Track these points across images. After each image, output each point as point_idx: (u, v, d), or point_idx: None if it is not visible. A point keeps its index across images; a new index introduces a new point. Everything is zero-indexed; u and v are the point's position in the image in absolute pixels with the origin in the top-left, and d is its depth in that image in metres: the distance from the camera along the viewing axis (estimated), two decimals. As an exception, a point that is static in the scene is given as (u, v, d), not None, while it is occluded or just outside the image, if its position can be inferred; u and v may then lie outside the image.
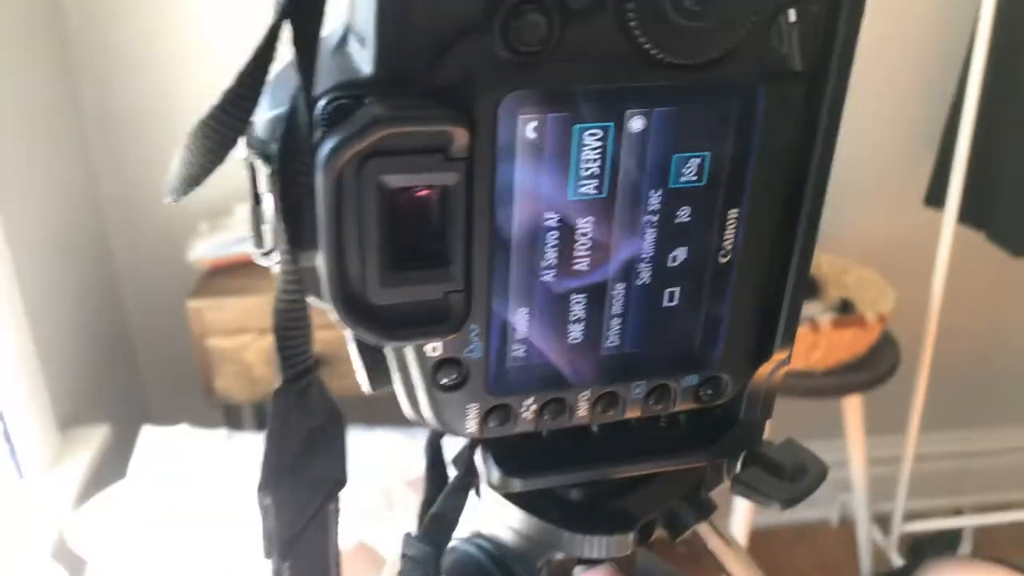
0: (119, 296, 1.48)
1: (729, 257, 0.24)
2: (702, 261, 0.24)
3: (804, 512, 1.76)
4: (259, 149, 0.20)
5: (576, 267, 0.23)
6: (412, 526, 0.29)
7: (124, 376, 1.49)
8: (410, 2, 0.19)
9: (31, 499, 1.13)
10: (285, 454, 0.22)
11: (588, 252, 0.23)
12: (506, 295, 0.22)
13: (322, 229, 0.20)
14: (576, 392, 0.25)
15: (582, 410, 0.25)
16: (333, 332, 0.26)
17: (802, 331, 1.28)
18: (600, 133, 0.21)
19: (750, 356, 0.26)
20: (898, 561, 1.62)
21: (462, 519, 0.29)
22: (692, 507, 0.30)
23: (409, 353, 0.23)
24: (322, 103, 0.20)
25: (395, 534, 0.29)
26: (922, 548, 1.71)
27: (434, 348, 0.23)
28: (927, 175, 1.49)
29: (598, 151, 0.21)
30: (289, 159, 0.20)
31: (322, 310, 0.22)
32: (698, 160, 0.22)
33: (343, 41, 0.22)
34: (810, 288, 1.45)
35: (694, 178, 0.22)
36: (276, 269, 0.21)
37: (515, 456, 0.26)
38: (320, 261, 0.21)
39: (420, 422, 0.25)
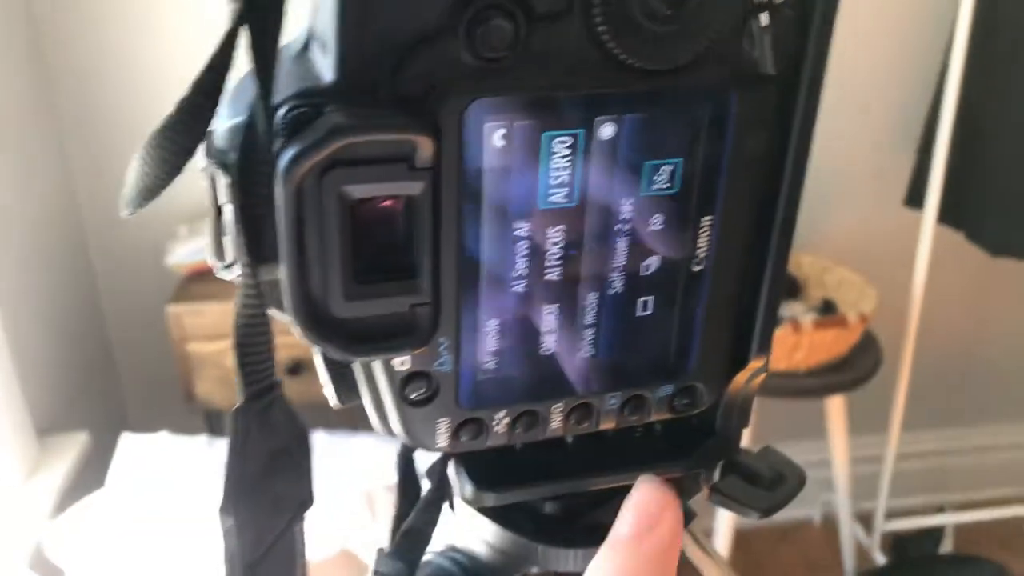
0: (97, 301, 1.46)
1: (703, 265, 0.23)
2: (675, 270, 0.23)
3: (788, 512, 1.76)
4: (218, 159, 0.20)
5: (547, 277, 0.22)
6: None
7: (103, 382, 1.47)
8: (372, 7, 0.18)
9: (8, 508, 1.11)
10: (247, 474, 0.21)
11: (559, 262, 0.22)
12: (476, 307, 0.22)
13: (283, 241, 0.19)
14: (549, 404, 0.24)
15: (555, 422, 0.24)
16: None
17: (784, 331, 1.29)
18: (569, 140, 0.20)
19: (725, 365, 0.25)
20: (881, 559, 1.62)
21: (436, 532, 0.28)
22: (670, 517, 0.29)
23: (377, 367, 0.22)
24: (282, 111, 0.19)
25: (377, 541, 0.28)
26: (904, 546, 1.72)
27: (402, 362, 0.22)
28: (907, 176, 1.50)
29: (568, 159, 0.21)
30: (248, 169, 0.19)
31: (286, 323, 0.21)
32: (670, 167, 0.21)
33: (306, 47, 0.21)
34: (792, 289, 1.46)
35: (666, 185, 0.22)
36: (238, 282, 0.21)
37: (488, 470, 0.26)
38: (282, 274, 0.20)
39: (390, 437, 0.24)
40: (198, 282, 1.31)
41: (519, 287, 0.22)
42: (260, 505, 0.22)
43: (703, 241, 0.23)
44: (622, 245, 0.22)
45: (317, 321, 0.20)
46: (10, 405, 1.14)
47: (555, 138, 0.20)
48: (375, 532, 1.05)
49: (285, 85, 0.19)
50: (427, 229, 0.20)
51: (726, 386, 0.26)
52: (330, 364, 0.23)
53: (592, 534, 0.27)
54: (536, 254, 0.22)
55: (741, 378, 0.26)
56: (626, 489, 0.28)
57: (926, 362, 1.62)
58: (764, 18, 0.20)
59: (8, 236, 1.17)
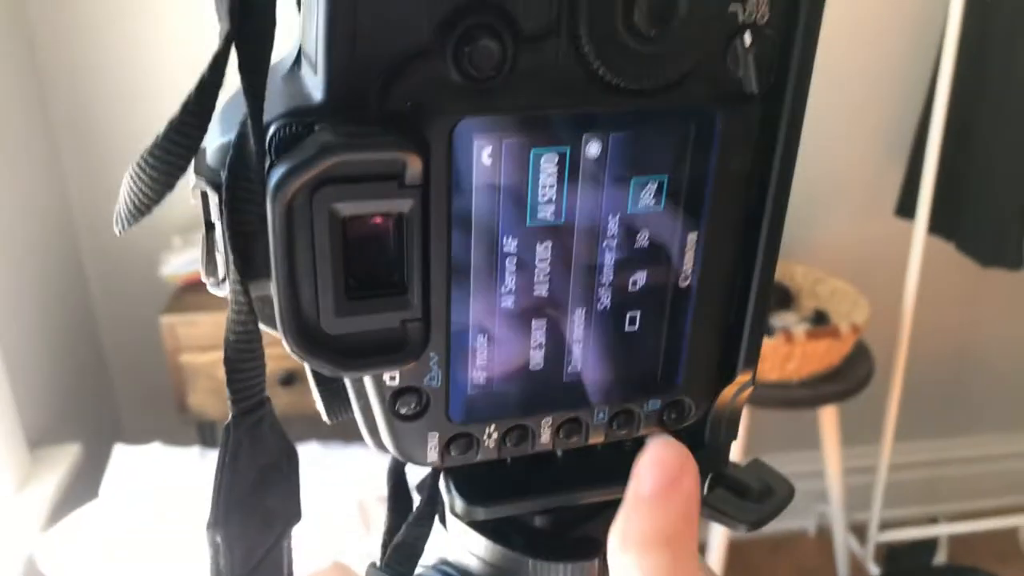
0: (91, 312, 1.46)
1: (690, 281, 0.23)
2: (662, 285, 0.23)
3: (782, 523, 1.77)
4: (209, 177, 0.20)
5: (536, 293, 0.22)
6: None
7: (96, 393, 1.47)
8: (360, 27, 0.19)
9: (0, 520, 1.11)
10: (236, 490, 0.21)
11: (548, 278, 0.22)
12: (465, 322, 0.22)
13: (274, 258, 0.19)
14: (538, 418, 0.24)
15: (545, 437, 0.25)
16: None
17: (777, 342, 1.29)
18: (557, 158, 0.21)
19: (713, 379, 0.26)
20: (875, 571, 1.62)
21: (427, 546, 0.28)
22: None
23: (367, 382, 0.22)
24: (272, 130, 0.19)
25: (371, 552, 0.28)
26: (898, 557, 1.72)
27: (392, 377, 0.22)
28: (897, 186, 1.51)
29: (555, 176, 0.21)
30: (238, 187, 0.19)
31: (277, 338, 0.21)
32: (656, 184, 0.22)
33: (296, 65, 0.21)
34: (784, 299, 1.46)
35: (652, 202, 0.22)
36: (229, 298, 0.21)
37: (479, 484, 0.26)
38: (273, 291, 0.20)
39: (381, 451, 0.24)
40: (192, 293, 1.31)
41: (508, 303, 0.22)
42: (250, 520, 0.22)
43: (689, 257, 0.23)
44: (610, 261, 0.22)
45: (308, 337, 0.20)
46: (2, 416, 1.13)
47: (543, 156, 0.21)
48: (368, 543, 1.04)
49: (275, 103, 0.20)
50: (417, 245, 0.20)
51: (714, 400, 0.26)
52: (321, 380, 0.24)
53: (583, 547, 0.27)
54: (525, 270, 0.22)
55: (729, 392, 0.26)
56: (615, 503, 0.28)
57: (919, 372, 1.63)
58: (747, 38, 0.20)
59: (2, 248, 1.17)
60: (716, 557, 1.50)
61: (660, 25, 0.20)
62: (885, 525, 1.63)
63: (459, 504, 0.26)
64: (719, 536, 1.49)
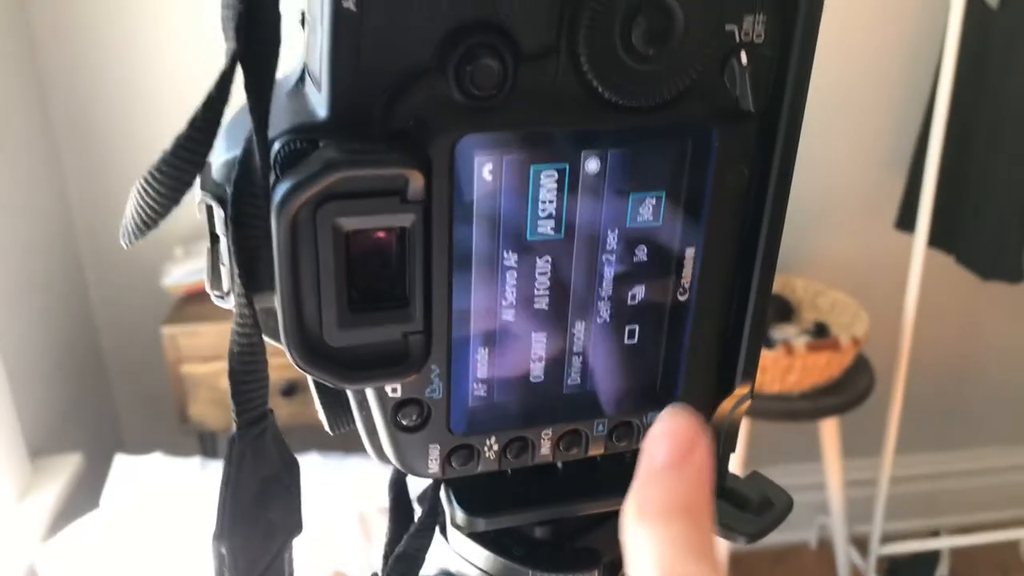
0: (92, 322, 1.46)
1: (688, 295, 0.24)
2: (661, 299, 0.24)
3: (783, 535, 1.77)
4: (214, 192, 0.20)
5: (536, 306, 0.23)
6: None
7: (97, 403, 1.47)
8: (363, 47, 0.19)
9: (0, 530, 1.11)
10: (240, 502, 0.22)
11: (548, 291, 0.23)
12: (466, 335, 0.22)
13: (278, 272, 0.20)
14: (539, 430, 0.25)
15: (545, 448, 0.25)
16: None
17: (777, 354, 1.29)
18: (556, 174, 0.21)
19: (711, 391, 0.26)
20: (876, 583, 1.62)
21: (428, 557, 0.28)
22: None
23: (370, 394, 0.23)
24: (277, 146, 0.20)
25: (371, 563, 0.29)
26: (900, 570, 1.71)
27: (394, 389, 0.22)
28: (897, 199, 1.52)
29: (554, 192, 0.21)
30: (243, 202, 0.20)
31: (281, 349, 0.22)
32: (654, 200, 0.22)
33: (301, 81, 0.22)
34: (785, 311, 1.46)
35: (650, 217, 0.22)
36: (234, 311, 0.21)
37: (479, 495, 0.26)
38: (277, 304, 0.20)
39: (383, 462, 0.24)
40: (193, 303, 1.32)
41: (509, 316, 0.23)
42: (253, 532, 0.22)
43: (687, 271, 0.23)
44: (609, 275, 0.23)
45: (311, 350, 0.21)
46: (3, 426, 1.13)
47: (542, 172, 0.21)
48: (369, 554, 1.04)
49: (280, 120, 0.20)
50: (419, 259, 0.21)
51: (712, 413, 0.26)
52: (324, 391, 0.24)
53: (583, 559, 0.28)
54: (525, 284, 0.22)
55: (727, 405, 0.26)
56: (615, 514, 0.28)
57: (919, 385, 1.63)
58: (744, 57, 0.21)
59: (3, 256, 1.18)
60: (717, 570, 1.49)
61: (658, 45, 0.20)
62: (887, 538, 1.63)
63: (460, 515, 0.26)
64: (720, 548, 1.49)
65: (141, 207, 0.20)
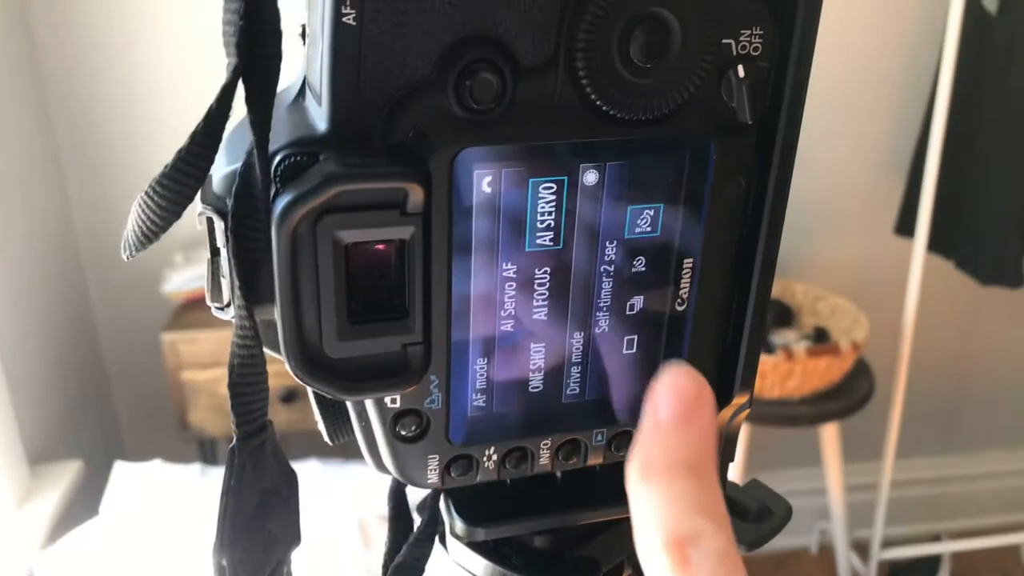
0: (92, 328, 1.46)
1: (686, 305, 0.24)
2: (659, 309, 0.24)
3: (784, 540, 1.76)
4: (215, 205, 0.21)
5: (535, 317, 0.23)
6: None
7: (97, 410, 1.47)
8: (363, 61, 0.19)
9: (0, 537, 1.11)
10: (241, 514, 0.22)
11: (546, 302, 0.23)
12: (465, 346, 0.23)
13: (278, 284, 0.20)
14: (538, 441, 0.25)
15: (544, 458, 0.25)
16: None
17: (777, 359, 1.29)
18: (554, 187, 0.21)
19: None
20: (877, 588, 1.62)
21: (428, 567, 0.29)
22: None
23: (369, 405, 0.23)
24: (277, 159, 0.20)
25: (371, 570, 0.29)
26: (901, 575, 1.71)
27: (393, 400, 0.23)
28: (897, 204, 1.52)
29: (553, 204, 0.21)
30: (243, 215, 0.20)
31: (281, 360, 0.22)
32: (652, 212, 0.22)
33: (301, 94, 0.22)
34: (785, 316, 1.46)
35: (648, 229, 0.22)
36: (234, 323, 0.21)
37: (478, 505, 0.26)
38: (277, 315, 0.21)
39: (382, 472, 0.24)
40: (193, 310, 1.32)
41: (507, 327, 0.23)
42: (253, 544, 0.22)
43: (685, 282, 0.24)
44: (607, 286, 0.23)
45: (311, 361, 0.21)
46: (2, 432, 1.13)
47: (541, 184, 0.21)
48: (368, 561, 1.04)
49: (280, 133, 0.20)
50: (418, 271, 0.21)
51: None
52: (323, 402, 0.24)
53: (583, 568, 0.28)
54: (524, 295, 0.22)
55: (725, 414, 0.26)
56: (614, 523, 0.28)
57: (919, 389, 1.63)
58: (741, 70, 0.21)
59: (2, 262, 1.18)
60: None
61: (656, 59, 0.20)
62: (887, 543, 1.62)
63: (459, 525, 0.26)
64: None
65: (143, 220, 0.20)
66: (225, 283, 0.21)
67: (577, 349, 0.24)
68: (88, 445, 1.37)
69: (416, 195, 0.20)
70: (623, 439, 0.26)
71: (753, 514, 0.29)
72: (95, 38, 1.31)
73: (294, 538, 0.24)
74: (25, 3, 1.27)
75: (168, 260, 1.33)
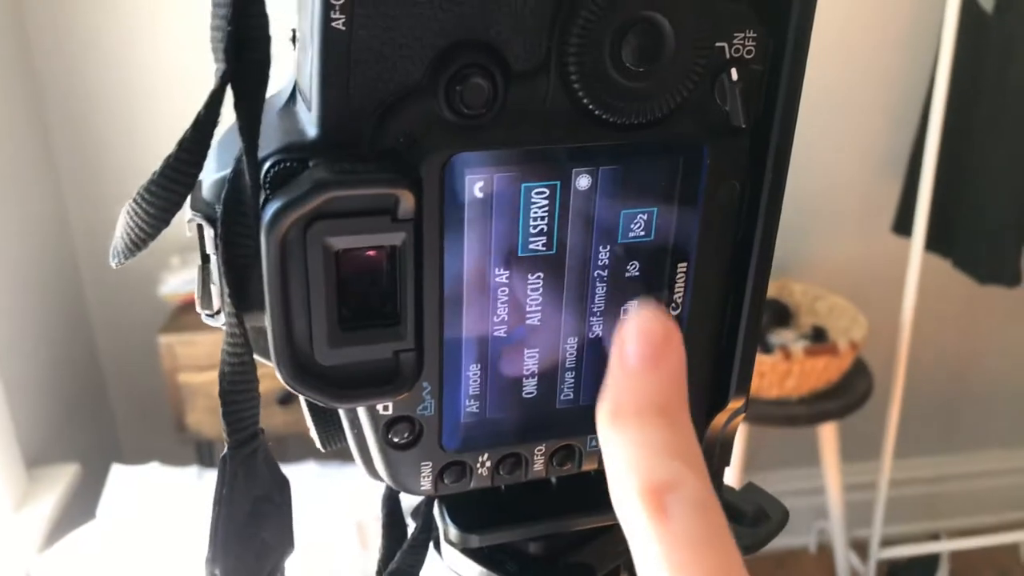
0: (89, 331, 1.46)
1: (680, 310, 0.24)
2: None
3: (783, 540, 1.76)
4: (204, 211, 0.20)
5: (528, 322, 0.23)
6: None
7: (94, 413, 1.47)
8: (353, 66, 0.19)
9: (-4, 542, 1.11)
10: (233, 523, 0.21)
11: (539, 307, 0.23)
12: (458, 352, 0.22)
13: (268, 291, 0.20)
14: (532, 446, 0.24)
15: (538, 464, 0.25)
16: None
17: (775, 359, 1.29)
18: (547, 192, 0.21)
19: (705, 406, 0.26)
20: (876, 588, 1.62)
21: (422, 573, 0.28)
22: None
23: (361, 412, 0.23)
24: (267, 165, 0.20)
25: (367, 572, 0.28)
26: (900, 573, 1.71)
27: (385, 407, 0.22)
28: (894, 203, 1.52)
29: (545, 209, 0.21)
30: (233, 222, 0.20)
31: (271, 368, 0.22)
32: (645, 216, 0.22)
33: (291, 99, 0.22)
34: (783, 316, 1.46)
35: (642, 233, 0.22)
36: (224, 330, 0.21)
37: (473, 511, 0.26)
38: (267, 323, 0.20)
39: (375, 479, 0.24)
40: (190, 312, 1.31)
41: (500, 332, 0.23)
42: (246, 553, 0.22)
43: (679, 287, 0.23)
44: (601, 291, 0.23)
45: (301, 369, 0.20)
46: None
47: (533, 189, 0.21)
48: (366, 563, 1.04)
49: (270, 138, 0.20)
50: (410, 277, 0.21)
51: (706, 427, 0.26)
52: (315, 409, 0.24)
53: (577, 573, 0.28)
54: (517, 300, 0.22)
55: (720, 419, 0.26)
56: (610, 528, 0.28)
57: (918, 388, 1.63)
58: (734, 73, 0.21)
59: None
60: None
61: (648, 62, 0.20)
62: (886, 542, 1.62)
63: (453, 531, 0.26)
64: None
65: (131, 228, 0.20)
66: (215, 290, 0.21)
67: (571, 354, 0.24)
68: (85, 448, 1.36)
69: (407, 201, 0.20)
70: None
71: (749, 518, 0.29)
72: (91, 38, 1.31)
73: (288, 545, 0.24)
74: (20, 3, 1.27)
75: (164, 262, 1.33)
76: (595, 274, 0.23)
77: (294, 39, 0.21)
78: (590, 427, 0.25)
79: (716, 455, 0.27)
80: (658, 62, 0.20)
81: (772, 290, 1.41)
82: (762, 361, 1.28)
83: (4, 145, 1.22)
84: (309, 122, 0.20)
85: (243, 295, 0.20)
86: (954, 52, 1.26)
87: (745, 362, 0.25)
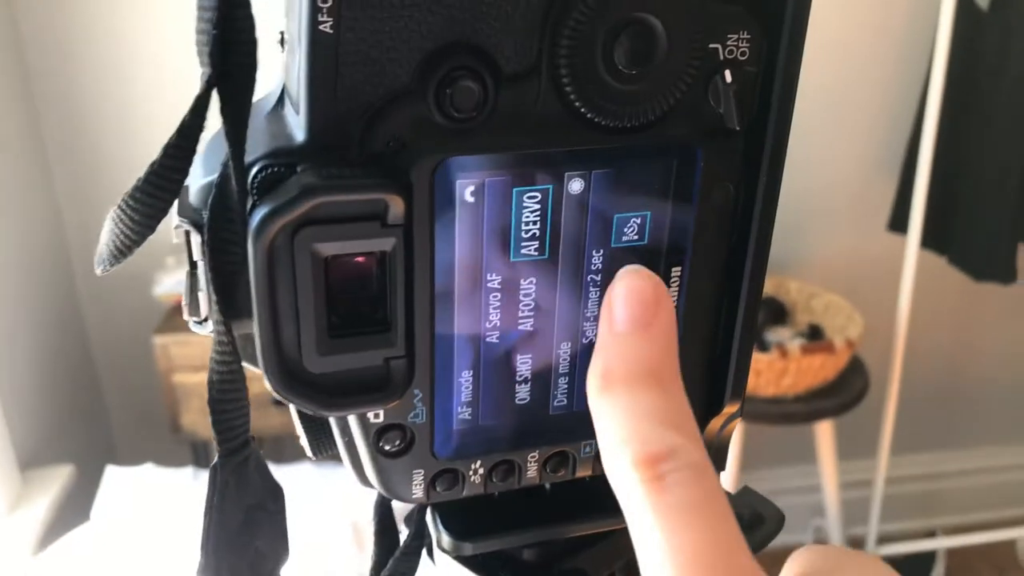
0: (83, 332, 1.45)
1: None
2: None
3: (780, 537, 1.76)
4: (191, 217, 0.20)
5: (521, 328, 0.22)
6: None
7: (88, 414, 1.46)
8: (341, 69, 0.19)
9: (-10, 544, 1.10)
10: (225, 533, 0.21)
11: (532, 313, 0.22)
12: (450, 358, 0.22)
13: (255, 298, 0.19)
14: (525, 453, 0.24)
15: (532, 471, 0.24)
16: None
17: (772, 357, 1.29)
18: (539, 196, 0.21)
19: (700, 411, 0.25)
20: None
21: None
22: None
23: (351, 419, 0.22)
24: (254, 170, 0.19)
25: (364, 573, 0.28)
26: (896, 570, 1.71)
27: (376, 415, 0.22)
28: (890, 201, 1.52)
29: (538, 213, 0.21)
30: (219, 228, 0.19)
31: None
32: (639, 220, 0.22)
33: (280, 102, 0.21)
34: (779, 314, 1.46)
35: (636, 237, 0.22)
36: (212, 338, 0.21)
37: (466, 518, 0.26)
38: (255, 330, 0.20)
39: (366, 487, 0.24)
40: (185, 312, 1.31)
41: (493, 338, 0.22)
42: (240, 561, 0.22)
43: (674, 290, 0.23)
44: (594, 295, 0.22)
45: (290, 377, 0.20)
46: (-7, 439, 1.13)
47: (525, 193, 0.21)
48: (362, 564, 1.04)
49: (258, 143, 0.20)
50: (400, 283, 0.20)
51: (701, 432, 0.26)
52: (305, 417, 0.23)
53: (571, 581, 0.27)
54: (509, 305, 0.22)
55: (716, 424, 0.26)
56: (604, 534, 0.28)
57: (914, 385, 1.63)
58: (728, 75, 0.21)
59: (-7, 268, 1.17)
60: (713, 573, 1.49)
61: (641, 65, 0.20)
62: (883, 539, 1.63)
63: (446, 539, 0.25)
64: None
65: (117, 235, 0.19)
66: (203, 297, 0.21)
67: (564, 360, 0.23)
68: (79, 449, 1.36)
69: (397, 206, 0.19)
70: None
71: (745, 522, 0.28)
72: (85, 36, 1.30)
73: (282, 553, 0.24)
74: (14, 5, 1.26)
75: (159, 263, 1.33)
76: (588, 279, 0.22)
77: (282, 41, 0.21)
78: (584, 433, 0.25)
79: (712, 460, 0.27)
80: (651, 64, 0.20)
81: (768, 288, 1.41)
82: (758, 359, 1.28)
83: (-3, 145, 1.22)
84: (297, 126, 0.19)
85: (231, 302, 0.20)
86: (950, 49, 1.26)
87: (740, 366, 0.25)
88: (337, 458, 0.25)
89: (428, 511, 0.27)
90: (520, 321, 0.22)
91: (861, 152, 1.58)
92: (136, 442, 1.49)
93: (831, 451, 1.49)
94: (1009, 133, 1.36)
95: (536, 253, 0.21)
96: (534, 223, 0.21)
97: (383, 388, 0.21)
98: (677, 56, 0.20)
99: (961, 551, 1.75)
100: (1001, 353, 1.81)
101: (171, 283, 1.30)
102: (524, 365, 0.23)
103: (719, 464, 0.27)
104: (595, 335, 0.23)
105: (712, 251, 0.23)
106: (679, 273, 0.23)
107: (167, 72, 1.29)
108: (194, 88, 0.18)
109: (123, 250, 0.19)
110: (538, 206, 0.21)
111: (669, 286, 0.23)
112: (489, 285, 0.22)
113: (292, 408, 0.23)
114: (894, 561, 1.69)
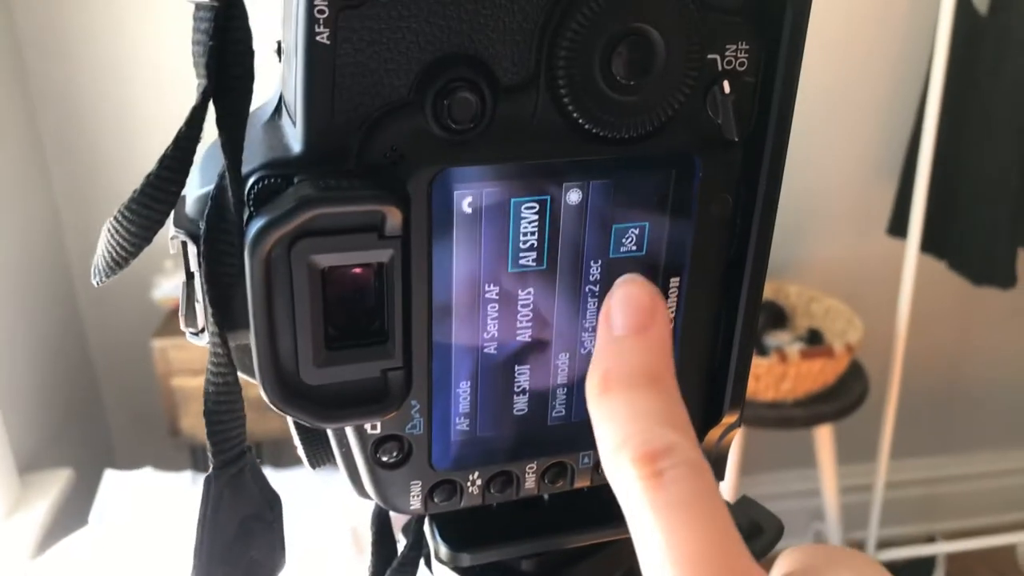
0: (82, 335, 1.45)
1: (673, 324, 0.23)
2: None
3: (779, 542, 1.76)
4: (188, 228, 0.20)
5: (519, 339, 0.22)
6: None
7: (87, 418, 1.46)
8: (338, 80, 0.19)
9: (-12, 549, 1.10)
10: (219, 544, 0.21)
11: (530, 323, 0.22)
12: (448, 369, 0.22)
13: (252, 310, 0.19)
14: (523, 464, 0.24)
15: (530, 482, 0.24)
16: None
17: (771, 362, 1.29)
18: (537, 206, 0.21)
19: (699, 421, 0.25)
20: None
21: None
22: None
23: (349, 431, 0.22)
24: (251, 181, 0.19)
25: (363, 577, 0.28)
26: (896, 575, 1.71)
27: (373, 426, 0.22)
28: (889, 205, 1.52)
29: (535, 224, 0.21)
30: (216, 239, 0.19)
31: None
32: (637, 230, 0.22)
33: (277, 112, 0.21)
34: (778, 318, 1.46)
35: (634, 248, 0.22)
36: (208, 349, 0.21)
37: (464, 529, 0.25)
38: (252, 341, 0.20)
39: (364, 498, 0.24)
40: (184, 316, 1.31)
41: (491, 349, 0.22)
42: (234, 572, 0.21)
43: (672, 301, 0.23)
44: (592, 307, 0.22)
45: (286, 388, 0.20)
46: (-8, 443, 1.13)
47: (523, 204, 0.21)
48: (361, 568, 1.03)
49: (255, 154, 0.20)
50: (397, 294, 0.20)
51: (700, 442, 0.26)
52: (302, 428, 0.23)
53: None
54: (507, 316, 0.22)
55: (715, 434, 0.26)
56: (602, 545, 0.28)
57: (913, 390, 1.63)
58: (726, 86, 0.20)
59: (-8, 272, 1.17)
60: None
61: (639, 75, 0.20)
62: (882, 544, 1.62)
63: (444, 550, 0.25)
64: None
65: (112, 246, 0.19)
66: (199, 308, 0.21)
67: (563, 371, 0.23)
68: (78, 453, 1.36)
69: (394, 218, 0.19)
70: None
71: (744, 532, 0.28)
72: (83, 36, 1.30)
73: (278, 562, 0.24)
74: (11, 6, 1.26)
75: (158, 266, 1.32)
76: (587, 289, 0.22)
77: (279, 51, 0.21)
78: (582, 444, 0.24)
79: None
80: (649, 75, 0.20)
81: (767, 292, 1.41)
82: (758, 364, 1.28)
83: (-4, 148, 1.22)
84: (294, 137, 0.19)
85: (227, 313, 0.20)
86: (949, 54, 1.26)
87: (739, 376, 0.25)
88: (335, 465, 0.24)
89: (426, 521, 0.26)
90: (518, 332, 0.22)
91: (860, 156, 1.58)
92: (135, 446, 1.49)
93: (831, 455, 1.49)
94: (1007, 137, 1.36)
95: (534, 264, 0.21)
96: (532, 234, 0.21)
97: (380, 399, 0.21)
98: (675, 67, 0.20)
99: (961, 556, 1.75)
100: (1001, 358, 1.81)
101: (170, 287, 1.30)
102: (522, 376, 0.23)
103: (718, 474, 0.27)
104: (593, 346, 0.23)
105: (710, 262, 0.23)
106: (678, 284, 0.23)
107: (165, 72, 1.29)
108: (192, 89, 0.18)
109: (119, 261, 0.19)
110: (536, 217, 0.21)
111: (668, 297, 0.23)
112: (487, 296, 0.21)
113: (289, 419, 0.23)
114: (894, 566, 1.69)
